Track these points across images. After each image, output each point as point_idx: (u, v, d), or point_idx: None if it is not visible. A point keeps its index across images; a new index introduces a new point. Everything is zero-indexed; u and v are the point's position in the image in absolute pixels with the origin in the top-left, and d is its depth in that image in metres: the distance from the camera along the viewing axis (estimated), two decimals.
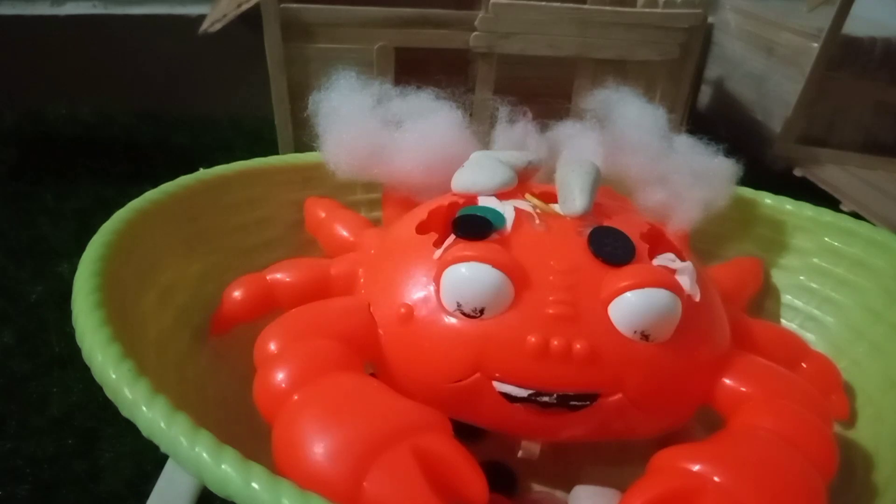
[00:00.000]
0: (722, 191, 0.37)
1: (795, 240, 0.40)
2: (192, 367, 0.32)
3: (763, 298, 0.40)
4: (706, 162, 0.37)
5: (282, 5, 0.59)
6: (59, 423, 0.43)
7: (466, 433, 0.25)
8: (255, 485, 0.20)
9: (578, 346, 0.25)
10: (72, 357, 0.47)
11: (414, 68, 0.52)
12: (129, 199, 0.34)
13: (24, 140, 0.81)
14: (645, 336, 0.26)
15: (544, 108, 0.40)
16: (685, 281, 0.28)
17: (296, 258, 0.35)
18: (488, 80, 0.65)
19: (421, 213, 0.32)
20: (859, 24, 0.79)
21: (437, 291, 0.27)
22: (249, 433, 0.25)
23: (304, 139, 0.39)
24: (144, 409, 0.22)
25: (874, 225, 0.39)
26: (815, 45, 0.75)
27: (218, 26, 0.64)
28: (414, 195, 0.36)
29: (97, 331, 0.25)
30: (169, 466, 0.32)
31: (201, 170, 0.38)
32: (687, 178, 0.36)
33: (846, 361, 0.35)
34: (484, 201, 0.31)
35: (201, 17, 0.72)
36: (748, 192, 0.41)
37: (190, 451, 0.21)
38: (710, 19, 0.94)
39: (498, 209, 0.30)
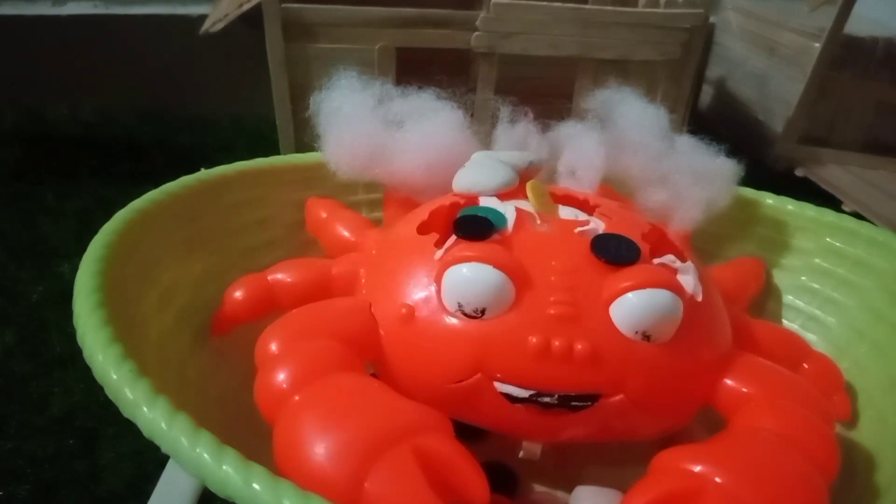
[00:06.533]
0: (723, 191, 0.37)
1: (797, 240, 0.40)
2: (193, 368, 0.32)
3: (764, 299, 0.40)
4: (707, 162, 0.37)
5: (283, 5, 0.59)
6: (60, 423, 0.43)
7: (467, 434, 0.25)
8: (255, 485, 0.20)
9: (580, 346, 0.25)
10: (73, 357, 0.47)
11: (415, 68, 0.52)
12: (131, 200, 0.34)
13: (25, 140, 0.81)
14: (646, 336, 0.26)
15: (546, 108, 0.40)
16: (687, 281, 0.28)
17: (297, 258, 0.35)
18: (490, 80, 0.65)
19: (422, 214, 0.32)
20: (861, 23, 0.79)
21: (439, 292, 0.27)
22: (250, 434, 0.25)
23: (306, 139, 0.39)
24: (145, 409, 0.22)
25: (876, 225, 0.39)
26: (817, 44, 0.75)
27: (219, 26, 0.64)
28: (415, 195, 0.36)
29: (98, 331, 0.25)
30: (170, 467, 0.32)
31: (202, 170, 0.38)
32: (688, 179, 0.36)
33: (848, 362, 0.35)
34: (485, 202, 0.31)
35: (202, 17, 0.72)
36: (749, 193, 0.41)
37: (191, 451, 0.21)
38: (712, 19, 0.94)
39: (499, 209, 0.30)
